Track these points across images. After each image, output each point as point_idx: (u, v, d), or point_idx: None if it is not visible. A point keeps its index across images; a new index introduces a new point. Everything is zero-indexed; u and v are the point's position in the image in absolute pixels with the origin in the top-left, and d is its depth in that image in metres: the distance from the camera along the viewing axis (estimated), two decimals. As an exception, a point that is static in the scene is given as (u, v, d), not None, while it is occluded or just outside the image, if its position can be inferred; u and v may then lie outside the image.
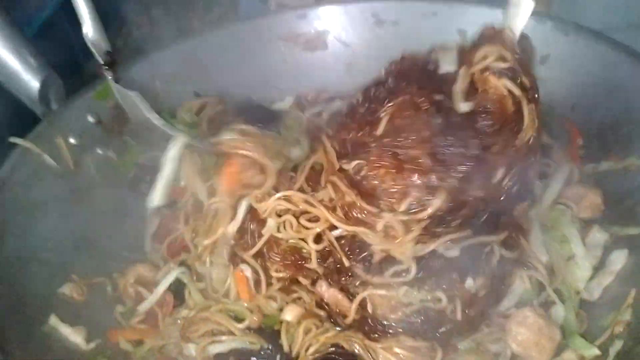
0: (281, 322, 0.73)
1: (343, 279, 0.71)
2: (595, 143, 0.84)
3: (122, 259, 0.87)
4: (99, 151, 0.94)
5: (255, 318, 0.73)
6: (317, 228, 0.71)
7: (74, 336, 0.75)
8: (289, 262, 0.75)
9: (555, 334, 0.65)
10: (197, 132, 0.88)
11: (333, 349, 0.70)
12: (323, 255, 0.73)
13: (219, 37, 1.06)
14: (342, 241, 0.70)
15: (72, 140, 0.90)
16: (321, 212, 0.70)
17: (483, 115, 0.65)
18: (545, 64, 0.91)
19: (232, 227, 0.77)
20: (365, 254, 0.68)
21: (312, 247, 0.72)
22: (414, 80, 0.72)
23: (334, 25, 1.06)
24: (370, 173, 0.64)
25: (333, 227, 0.70)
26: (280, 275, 0.75)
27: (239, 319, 0.74)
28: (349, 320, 0.70)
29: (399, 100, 0.68)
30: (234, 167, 0.81)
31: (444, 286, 0.67)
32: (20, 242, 0.78)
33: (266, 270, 0.75)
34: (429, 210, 0.62)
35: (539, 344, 0.64)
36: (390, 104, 0.68)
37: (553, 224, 0.77)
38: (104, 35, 0.82)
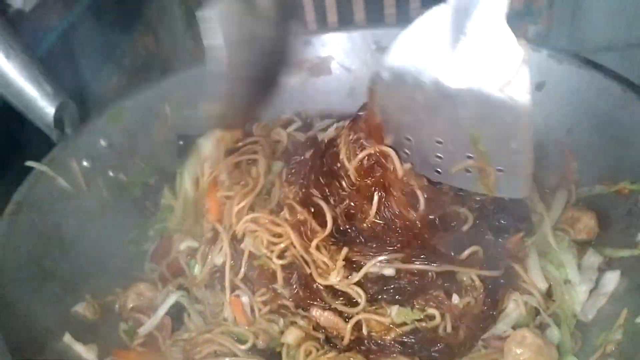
0: (282, 344, 0.75)
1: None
2: (589, 167, 0.87)
3: (132, 278, 0.91)
4: (111, 173, 0.97)
5: (261, 341, 0.76)
6: (282, 244, 0.77)
7: (87, 354, 0.77)
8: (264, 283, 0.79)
9: (553, 354, 0.68)
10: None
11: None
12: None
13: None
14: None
15: (85, 164, 0.93)
16: (284, 229, 0.77)
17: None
18: (542, 90, 0.94)
19: (219, 259, 0.82)
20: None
21: (276, 263, 0.77)
22: None
23: (337, 52, 1.10)
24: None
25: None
26: (264, 298, 0.78)
27: (241, 341, 0.77)
28: (345, 341, 0.73)
29: None
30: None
31: (431, 303, 0.71)
32: (35, 262, 0.81)
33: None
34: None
35: (538, 363, 0.66)
36: None
37: (550, 250, 0.79)
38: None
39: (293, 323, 0.75)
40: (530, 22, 2.48)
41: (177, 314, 0.82)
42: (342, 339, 0.73)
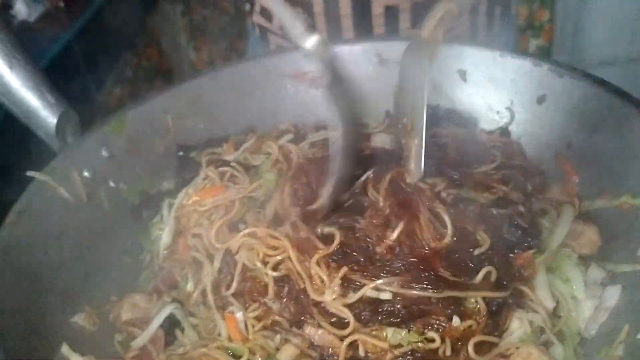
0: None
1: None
2: (590, 181, 0.87)
3: (129, 288, 0.90)
4: (112, 184, 0.97)
5: (258, 357, 0.74)
6: (278, 256, 0.78)
7: (84, 365, 0.77)
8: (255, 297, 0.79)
9: (558, 370, 0.67)
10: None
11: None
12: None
13: (229, 75, 1.10)
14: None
15: (86, 174, 0.93)
16: (282, 243, 0.78)
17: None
18: (543, 104, 0.95)
19: (209, 278, 0.82)
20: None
21: (270, 274, 0.78)
22: None
23: (339, 64, 1.10)
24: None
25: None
26: (256, 313, 0.78)
27: (237, 357, 0.75)
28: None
29: None
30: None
31: (430, 327, 0.71)
32: (35, 273, 0.80)
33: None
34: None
35: (545, 379, 0.66)
36: None
37: (558, 266, 0.78)
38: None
39: (287, 341, 0.74)
40: (531, 37, 2.50)
41: (170, 327, 0.81)
42: (338, 358, 0.72)
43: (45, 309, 0.79)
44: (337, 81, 0.83)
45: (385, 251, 0.76)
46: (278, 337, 0.74)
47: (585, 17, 2.71)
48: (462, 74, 1.03)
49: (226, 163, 0.99)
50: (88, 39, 2.17)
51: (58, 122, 0.92)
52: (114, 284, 0.90)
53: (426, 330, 0.70)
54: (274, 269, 0.79)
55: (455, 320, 0.70)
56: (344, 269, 0.74)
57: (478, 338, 0.71)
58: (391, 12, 1.15)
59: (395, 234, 0.76)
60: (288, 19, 0.80)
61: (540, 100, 0.95)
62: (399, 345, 0.70)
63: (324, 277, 0.75)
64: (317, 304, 0.75)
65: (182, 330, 0.80)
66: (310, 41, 0.79)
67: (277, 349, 0.74)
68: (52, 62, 2.03)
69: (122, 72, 2.49)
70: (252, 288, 0.79)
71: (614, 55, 2.70)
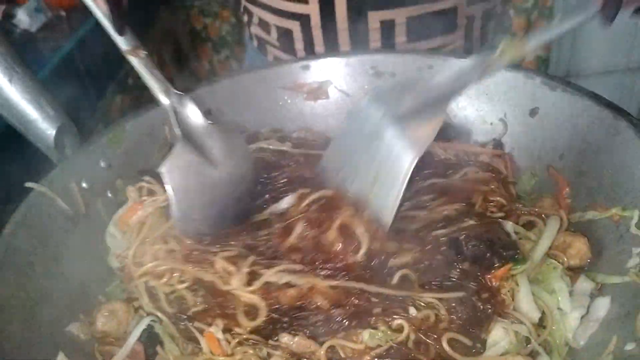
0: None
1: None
2: (581, 192, 0.88)
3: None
4: (110, 194, 0.98)
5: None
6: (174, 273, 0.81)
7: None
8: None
9: (546, 380, 0.68)
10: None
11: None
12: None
13: (228, 86, 1.12)
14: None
15: (84, 185, 0.94)
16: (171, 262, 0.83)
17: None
18: (535, 116, 0.96)
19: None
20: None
21: (180, 287, 0.81)
22: None
23: (335, 76, 1.12)
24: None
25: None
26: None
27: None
28: None
29: None
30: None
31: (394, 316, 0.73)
32: (32, 284, 0.81)
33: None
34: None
35: (532, 388, 0.67)
36: None
37: (543, 278, 0.79)
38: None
39: (270, 355, 0.74)
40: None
41: (150, 340, 0.79)
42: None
43: (42, 318, 0.79)
44: (189, 135, 0.85)
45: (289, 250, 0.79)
46: (265, 350, 0.74)
47: (583, 28, 2.73)
48: (457, 86, 1.04)
49: (140, 178, 0.98)
50: (89, 48, 2.19)
51: (57, 134, 0.93)
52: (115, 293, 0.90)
53: (391, 322, 0.72)
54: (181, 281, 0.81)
55: (412, 311, 0.73)
56: (251, 258, 0.78)
57: (452, 335, 0.72)
58: (387, 26, 1.17)
59: (293, 236, 0.80)
60: (150, 79, 0.85)
61: (533, 112, 0.96)
62: (378, 346, 0.72)
63: (230, 269, 0.77)
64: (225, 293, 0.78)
65: (162, 345, 0.79)
66: (168, 98, 0.85)
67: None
68: (54, 71, 2.05)
69: (123, 81, 2.51)
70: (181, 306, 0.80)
71: (613, 65, 2.72)
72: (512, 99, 0.99)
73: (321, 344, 0.73)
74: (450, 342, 0.72)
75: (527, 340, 0.73)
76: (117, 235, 0.94)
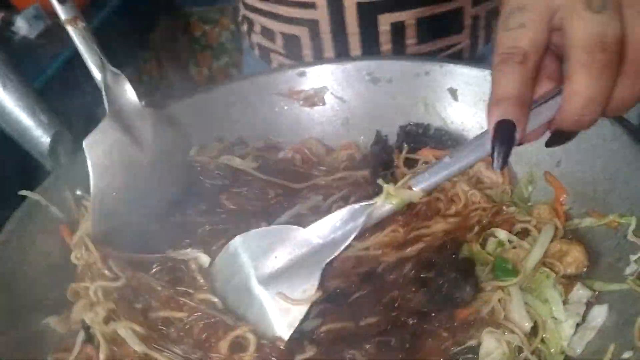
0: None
1: None
2: (578, 199, 0.87)
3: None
4: (104, 202, 0.98)
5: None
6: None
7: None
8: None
9: (542, 389, 0.67)
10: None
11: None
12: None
13: (224, 93, 1.11)
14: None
15: (78, 192, 0.94)
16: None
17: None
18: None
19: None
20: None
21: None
22: None
23: (332, 83, 1.11)
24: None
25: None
26: None
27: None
28: None
29: None
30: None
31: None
32: (25, 292, 0.81)
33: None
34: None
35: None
36: None
37: (536, 287, 0.78)
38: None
39: None
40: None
41: None
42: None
43: (36, 325, 0.79)
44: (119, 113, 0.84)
45: None
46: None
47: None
48: (453, 93, 1.04)
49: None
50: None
51: (51, 141, 0.93)
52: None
53: None
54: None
55: None
56: None
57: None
58: (397, 28, 1.17)
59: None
60: (85, 51, 0.85)
61: (531, 119, 0.95)
62: None
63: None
64: None
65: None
66: (101, 73, 0.84)
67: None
68: (52, 78, 2.05)
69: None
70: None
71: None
72: (508, 105, 0.98)
73: None
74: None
75: (520, 350, 0.72)
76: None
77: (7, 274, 0.80)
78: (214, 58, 3.28)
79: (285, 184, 0.96)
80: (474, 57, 1.26)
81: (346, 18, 1.15)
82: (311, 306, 0.75)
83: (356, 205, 0.75)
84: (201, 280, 0.80)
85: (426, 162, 0.99)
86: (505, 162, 0.61)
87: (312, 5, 1.16)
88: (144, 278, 0.78)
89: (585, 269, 0.80)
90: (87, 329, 0.77)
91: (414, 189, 0.71)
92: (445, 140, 1.03)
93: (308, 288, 0.74)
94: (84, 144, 0.79)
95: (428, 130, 1.04)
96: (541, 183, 0.94)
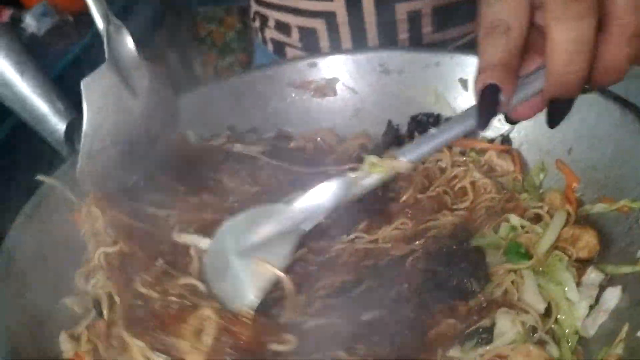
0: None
1: None
2: (590, 186, 0.88)
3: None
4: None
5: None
6: None
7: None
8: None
9: (557, 367, 0.68)
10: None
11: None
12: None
13: (235, 84, 1.13)
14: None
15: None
16: None
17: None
18: (544, 110, 0.96)
19: None
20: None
21: None
22: None
23: (343, 74, 1.13)
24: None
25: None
26: None
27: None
28: None
29: None
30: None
31: None
32: (42, 273, 0.82)
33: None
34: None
35: (545, 376, 0.66)
36: None
37: (549, 270, 0.79)
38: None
39: None
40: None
41: None
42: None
43: (51, 306, 0.80)
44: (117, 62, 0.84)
45: None
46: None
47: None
48: (464, 83, 1.05)
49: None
50: (96, 53, 2.21)
51: (67, 128, 0.94)
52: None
53: None
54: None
55: None
56: None
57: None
58: (414, 17, 1.18)
59: None
60: (92, 2, 0.84)
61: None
62: None
63: None
64: None
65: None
66: (105, 23, 0.84)
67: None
68: (60, 76, 2.06)
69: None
70: None
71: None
72: (520, 94, 0.99)
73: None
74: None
75: (534, 330, 0.73)
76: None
77: (25, 255, 0.81)
78: (219, 57, 3.30)
79: (295, 169, 0.96)
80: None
81: (363, 8, 1.16)
82: (313, 301, 0.76)
83: (339, 178, 0.75)
84: (196, 266, 0.80)
85: (438, 150, 1.00)
86: (486, 123, 0.62)
87: None
88: (139, 250, 0.80)
89: (597, 253, 0.81)
90: (97, 304, 0.78)
91: (400, 159, 0.71)
92: (456, 130, 1.03)
93: (283, 253, 0.75)
94: (82, 83, 0.80)
95: (439, 120, 1.05)
96: (552, 171, 0.94)
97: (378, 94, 1.12)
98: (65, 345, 0.78)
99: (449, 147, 1.00)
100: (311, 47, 1.26)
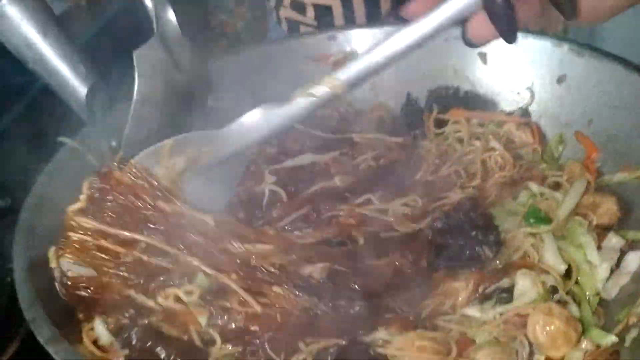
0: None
1: None
2: (611, 156, 0.88)
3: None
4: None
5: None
6: None
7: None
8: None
9: (578, 326, 0.68)
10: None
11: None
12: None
13: (254, 56, 1.13)
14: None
15: (113, 144, 0.95)
16: None
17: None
18: (562, 83, 0.96)
19: None
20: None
21: None
22: None
23: (361, 47, 1.12)
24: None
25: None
26: None
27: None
28: None
29: None
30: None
31: None
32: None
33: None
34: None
35: (566, 333, 0.66)
36: None
37: (569, 234, 0.79)
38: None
39: None
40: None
41: None
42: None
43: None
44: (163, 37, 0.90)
45: None
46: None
47: (598, 29, 2.74)
48: (483, 57, 1.05)
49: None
50: (109, 39, 2.21)
51: (88, 92, 0.94)
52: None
53: None
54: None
55: None
56: None
57: None
58: None
59: None
60: None
61: (561, 80, 0.96)
62: None
63: None
64: None
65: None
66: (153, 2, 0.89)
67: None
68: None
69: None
70: None
71: (629, 57, 2.72)
72: (539, 67, 0.99)
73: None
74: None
75: (555, 291, 0.73)
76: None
77: (47, 210, 0.82)
78: (230, 46, 3.30)
79: (321, 135, 0.97)
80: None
81: None
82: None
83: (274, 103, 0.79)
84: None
85: (456, 122, 1.00)
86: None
87: None
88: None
89: (618, 220, 0.81)
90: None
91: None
92: (475, 103, 1.04)
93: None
94: (134, 53, 0.85)
95: (458, 93, 1.05)
96: (572, 143, 0.95)
97: (396, 68, 1.08)
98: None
99: (467, 120, 1.00)
100: (326, 24, 1.27)
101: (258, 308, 0.70)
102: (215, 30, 3.29)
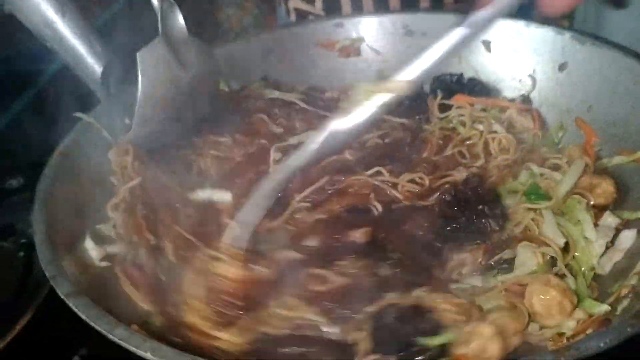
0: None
1: None
2: (609, 141, 0.91)
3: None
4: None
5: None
6: None
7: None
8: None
9: (574, 298, 0.71)
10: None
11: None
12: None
13: (263, 41, 1.16)
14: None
15: (127, 121, 0.98)
16: None
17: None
18: (564, 70, 0.99)
19: None
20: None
21: None
22: None
23: (368, 34, 1.16)
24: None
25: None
26: None
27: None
28: None
29: None
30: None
31: None
32: (78, 198, 0.86)
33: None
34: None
35: (561, 303, 0.69)
36: None
37: (567, 212, 0.82)
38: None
39: None
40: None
41: None
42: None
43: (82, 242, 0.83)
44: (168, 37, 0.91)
45: None
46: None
47: (603, 27, 2.75)
48: (487, 45, 1.08)
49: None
50: (119, 27, 2.24)
51: (103, 70, 0.97)
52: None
53: None
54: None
55: None
56: None
57: None
58: None
59: None
60: None
61: (562, 67, 0.99)
62: None
63: None
64: None
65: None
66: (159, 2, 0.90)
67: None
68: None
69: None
70: None
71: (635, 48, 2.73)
72: (541, 54, 1.02)
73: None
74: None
75: (554, 263, 0.76)
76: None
77: (65, 180, 0.85)
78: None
79: (327, 115, 0.99)
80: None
81: None
82: None
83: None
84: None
85: (459, 107, 1.03)
86: None
87: None
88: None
89: (614, 200, 0.83)
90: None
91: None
92: (479, 90, 1.06)
93: None
94: (138, 54, 0.86)
95: (462, 79, 1.08)
96: (572, 129, 0.97)
97: (401, 55, 1.14)
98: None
99: (471, 104, 1.03)
100: (335, 13, 1.29)
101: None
102: (221, 25, 3.31)
